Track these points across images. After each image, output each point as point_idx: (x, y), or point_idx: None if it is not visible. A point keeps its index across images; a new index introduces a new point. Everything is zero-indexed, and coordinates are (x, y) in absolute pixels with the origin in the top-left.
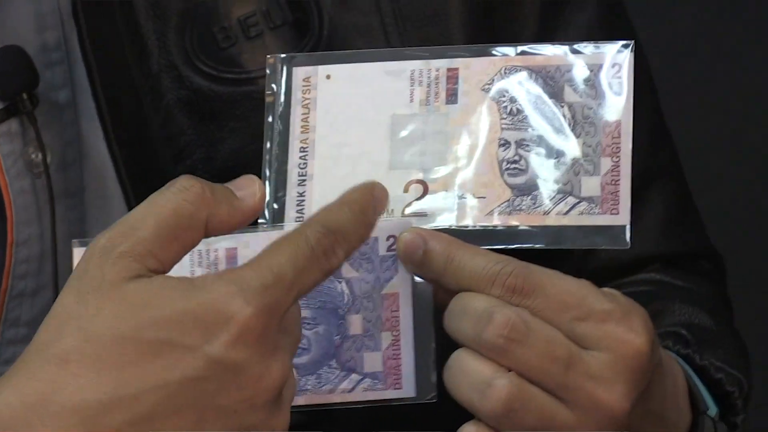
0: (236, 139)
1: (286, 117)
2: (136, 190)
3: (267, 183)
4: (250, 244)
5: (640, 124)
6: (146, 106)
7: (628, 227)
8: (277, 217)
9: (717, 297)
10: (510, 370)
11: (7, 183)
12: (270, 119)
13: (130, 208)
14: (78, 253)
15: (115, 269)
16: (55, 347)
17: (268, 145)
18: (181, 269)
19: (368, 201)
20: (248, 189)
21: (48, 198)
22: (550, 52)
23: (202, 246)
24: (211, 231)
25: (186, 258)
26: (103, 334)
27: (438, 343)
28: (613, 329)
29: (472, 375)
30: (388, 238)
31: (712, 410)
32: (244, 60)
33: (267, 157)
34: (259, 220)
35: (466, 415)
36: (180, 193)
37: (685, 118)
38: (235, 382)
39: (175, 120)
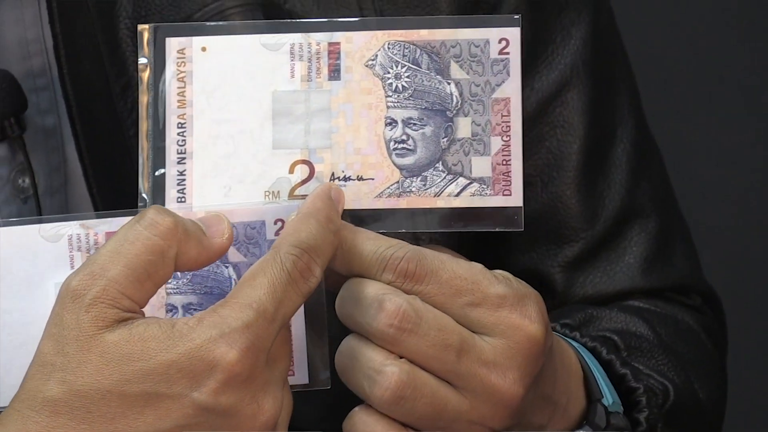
0: None
1: (161, 90)
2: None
3: (144, 160)
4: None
5: (619, 159)
6: (129, 138)
7: (521, 209)
8: (157, 196)
9: (692, 325)
10: (402, 357)
11: None
12: (143, 93)
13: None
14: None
15: (89, 317)
16: (43, 396)
17: (144, 120)
18: (59, 254)
19: (331, 207)
20: (216, 227)
21: None
22: (435, 26)
23: (81, 229)
24: (179, 267)
25: (65, 241)
26: (90, 388)
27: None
28: (507, 315)
29: (362, 361)
30: (275, 222)
31: (609, 400)
32: None
33: (144, 131)
34: (140, 197)
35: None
36: (150, 228)
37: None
38: (228, 425)
39: None
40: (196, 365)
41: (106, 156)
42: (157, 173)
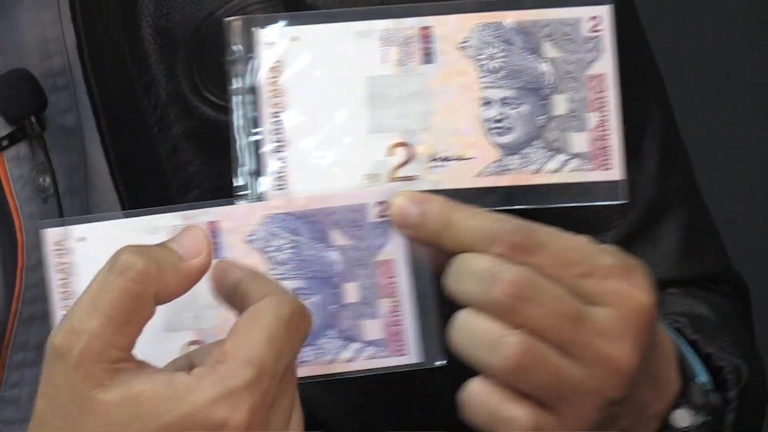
0: None
1: (254, 82)
2: None
3: (240, 151)
4: (232, 217)
5: (649, 150)
6: (153, 136)
7: (622, 182)
8: (255, 186)
9: (732, 310)
10: (518, 329)
11: (17, 207)
12: (235, 84)
13: None
14: (47, 234)
15: (79, 377)
16: None
17: (236, 112)
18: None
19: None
20: (192, 245)
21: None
22: (526, 7)
23: (181, 221)
24: (160, 301)
25: (164, 234)
26: None
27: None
28: (617, 285)
29: (480, 334)
30: (377, 204)
31: (702, 378)
32: None
33: (239, 124)
34: (235, 186)
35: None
36: (123, 275)
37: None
38: None
39: (182, 151)
40: (202, 427)
41: (132, 154)
42: (252, 164)
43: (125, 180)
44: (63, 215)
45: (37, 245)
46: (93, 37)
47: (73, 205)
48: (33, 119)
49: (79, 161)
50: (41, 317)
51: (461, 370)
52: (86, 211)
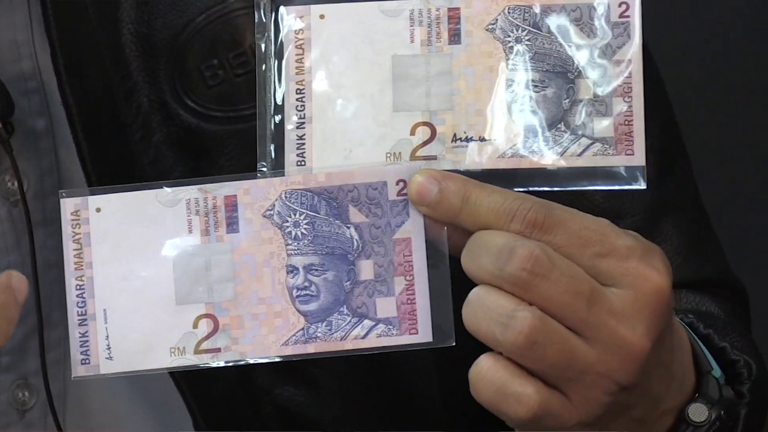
0: None
1: (279, 58)
2: None
3: (264, 126)
4: (251, 191)
5: (647, 154)
6: (135, 143)
7: (643, 168)
8: (277, 162)
9: (734, 311)
10: (531, 305)
11: None
12: (262, 62)
13: None
14: (65, 204)
15: None
16: None
17: (262, 88)
18: (178, 220)
19: (8, 294)
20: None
21: (26, 226)
22: None
23: (199, 194)
24: None
25: (182, 206)
26: None
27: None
28: (635, 266)
29: (493, 309)
30: (397, 183)
31: (716, 372)
32: (232, 98)
33: (263, 100)
34: (259, 165)
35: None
36: None
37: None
38: None
39: (165, 157)
40: None
41: (110, 160)
42: (275, 139)
43: (102, 185)
44: (30, 220)
45: (5, 249)
46: (70, 45)
47: (45, 208)
48: None
49: (51, 165)
50: None
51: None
52: (59, 214)
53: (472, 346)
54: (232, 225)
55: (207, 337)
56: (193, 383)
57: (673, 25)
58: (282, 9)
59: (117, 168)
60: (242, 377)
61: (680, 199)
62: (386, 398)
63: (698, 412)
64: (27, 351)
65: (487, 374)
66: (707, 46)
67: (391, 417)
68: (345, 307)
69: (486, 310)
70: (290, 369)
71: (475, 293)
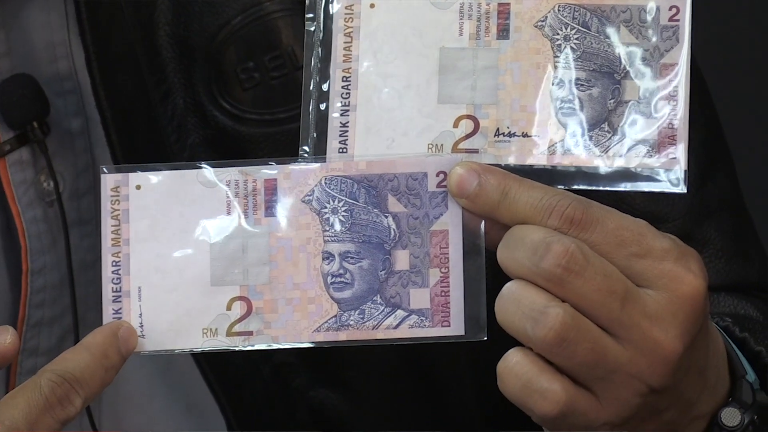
0: None
1: (327, 45)
2: None
3: (308, 112)
4: (291, 176)
5: (690, 156)
6: (170, 145)
7: (685, 172)
8: (319, 148)
9: None
10: (564, 302)
11: (19, 211)
12: (310, 48)
13: None
14: (105, 180)
15: None
16: None
17: (309, 74)
18: (217, 201)
19: (111, 343)
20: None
21: (62, 227)
22: None
23: (239, 175)
24: None
25: (223, 187)
26: None
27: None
28: (671, 268)
29: (526, 304)
30: (437, 174)
31: (751, 376)
32: (267, 100)
33: (309, 86)
34: (301, 150)
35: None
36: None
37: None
38: None
39: (200, 159)
40: None
41: (144, 162)
42: (319, 126)
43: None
44: (66, 220)
45: (41, 250)
46: (105, 47)
47: (80, 208)
48: (35, 125)
49: (86, 165)
50: (49, 322)
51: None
52: (94, 214)
53: (508, 349)
54: (270, 208)
55: (240, 320)
56: (227, 385)
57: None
58: None
59: None
60: (278, 379)
61: (723, 202)
62: (421, 401)
63: (731, 417)
64: (63, 351)
65: (514, 368)
66: (754, 50)
67: (426, 420)
68: (379, 296)
69: (518, 304)
70: (325, 371)
71: (508, 287)
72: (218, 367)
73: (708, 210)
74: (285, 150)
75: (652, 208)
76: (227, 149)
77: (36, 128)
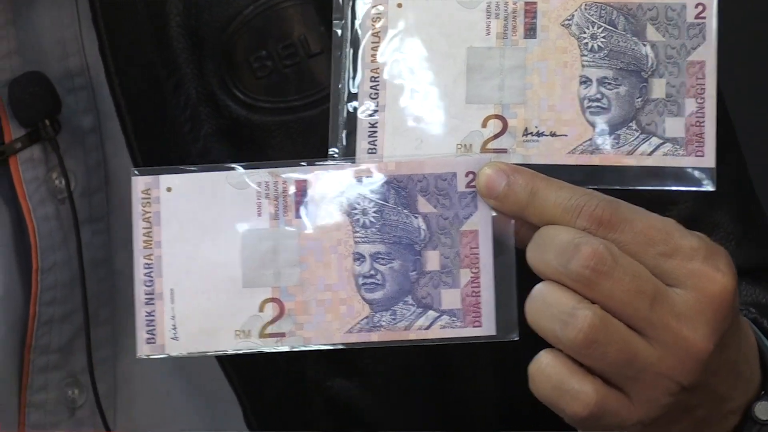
0: None
1: (355, 46)
2: None
3: (337, 113)
4: (320, 176)
5: None
6: (184, 135)
7: (713, 170)
8: (349, 149)
9: None
10: (594, 303)
11: (30, 209)
12: (338, 48)
13: None
14: (136, 182)
15: None
16: None
17: (336, 76)
18: (248, 203)
19: None
20: None
21: (73, 224)
22: None
23: (269, 177)
24: None
25: (253, 188)
26: None
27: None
28: (700, 267)
29: (555, 305)
30: (467, 174)
31: None
32: (281, 89)
33: (337, 86)
34: (330, 151)
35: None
36: None
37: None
38: None
39: (214, 149)
40: None
41: (159, 153)
42: (347, 126)
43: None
44: (77, 218)
45: (51, 247)
46: (117, 39)
47: (92, 205)
48: (46, 122)
49: (97, 162)
50: (60, 319)
51: (504, 369)
52: (105, 211)
53: (532, 347)
54: (300, 210)
55: (272, 321)
56: (245, 378)
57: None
58: None
59: (166, 160)
60: (294, 370)
61: (733, 185)
62: (437, 392)
63: (765, 410)
64: (75, 349)
65: (546, 370)
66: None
67: (442, 410)
68: (410, 296)
69: (547, 306)
70: (342, 361)
71: (538, 289)
72: (236, 358)
73: (717, 194)
74: (299, 137)
75: (662, 191)
76: (241, 138)
77: (48, 126)
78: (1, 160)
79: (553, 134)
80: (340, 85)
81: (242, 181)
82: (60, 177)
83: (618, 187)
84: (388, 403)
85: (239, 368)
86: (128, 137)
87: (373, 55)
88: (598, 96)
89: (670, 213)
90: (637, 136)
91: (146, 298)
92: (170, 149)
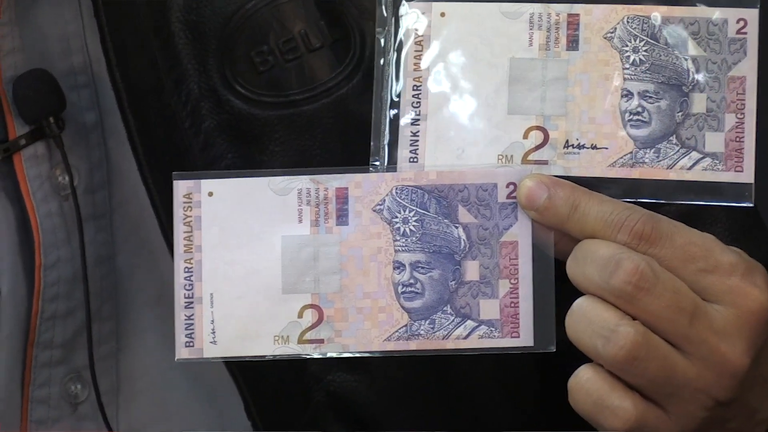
0: (277, 162)
1: (398, 54)
2: (170, 214)
3: (380, 121)
4: (363, 185)
5: None
6: (185, 130)
7: (752, 185)
8: (390, 158)
9: None
10: (634, 319)
11: (33, 206)
12: (381, 56)
13: (162, 230)
14: (177, 186)
15: None
16: None
17: (379, 83)
18: (289, 209)
19: None
20: None
21: (76, 221)
22: (674, 3)
23: (311, 184)
24: None
25: (294, 195)
26: None
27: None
28: (738, 283)
29: (596, 321)
30: (507, 185)
31: None
32: (282, 83)
33: (380, 94)
34: (371, 159)
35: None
36: None
37: None
38: None
39: (216, 144)
40: None
41: (161, 149)
42: (389, 135)
43: (155, 175)
44: (80, 215)
45: (55, 244)
46: (118, 34)
47: (95, 203)
48: (51, 120)
49: (100, 159)
50: (63, 315)
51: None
52: (108, 208)
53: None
54: (341, 217)
55: (311, 328)
56: (247, 373)
57: None
58: (404, 5)
59: (168, 155)
60: (295, 364)
61: None
62: (439, 386)
63: None
64: (78, 345)
65: (585, 385)
66: None
67: (444, 404)
68: (449, 306)
69: (588, 321)
70: None
71: (578, 304)
72: None
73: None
74: (300, 132)
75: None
76: (242, 133)
77: (52, 123)
78: (5, 157)
79: (593, 147)
80: (382, 93)
81: (284, 188)
82: (63, 174)
83: (659, 201)
84: (388, 397)
85: (241, 362)
86: (130, 131)
87: (416, 64)
88: (639, 109)
89: (672, 208)
90: (677, 150)
91: (185, 302)
92: (172, 144)
